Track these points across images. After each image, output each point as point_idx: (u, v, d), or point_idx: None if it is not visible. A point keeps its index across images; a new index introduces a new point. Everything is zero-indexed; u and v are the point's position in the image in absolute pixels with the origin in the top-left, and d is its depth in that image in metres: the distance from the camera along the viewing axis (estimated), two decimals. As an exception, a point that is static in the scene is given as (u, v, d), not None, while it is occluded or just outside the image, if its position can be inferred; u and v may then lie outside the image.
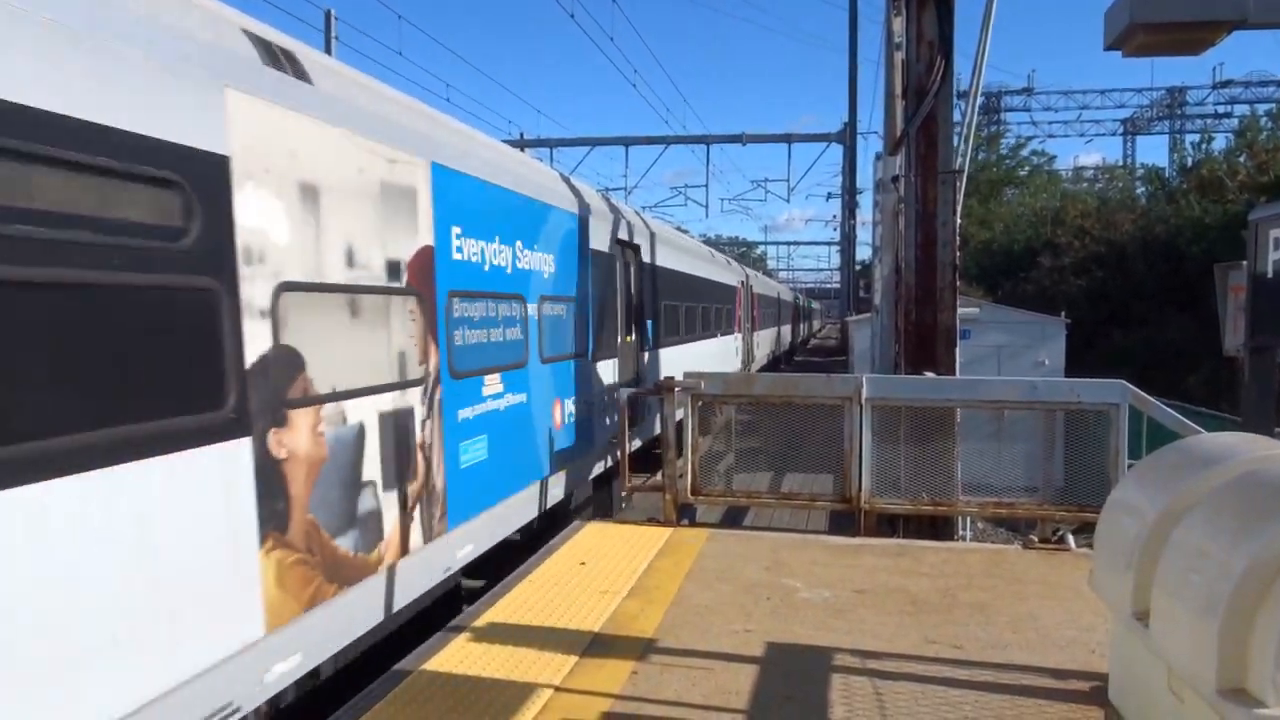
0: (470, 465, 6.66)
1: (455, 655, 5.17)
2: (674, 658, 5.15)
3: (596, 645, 5.33)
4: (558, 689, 4.72)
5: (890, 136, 10.79)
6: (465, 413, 6.61)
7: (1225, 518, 2.93)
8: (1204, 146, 39.45)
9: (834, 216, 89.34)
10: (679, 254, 15.28)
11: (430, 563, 6.04)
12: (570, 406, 9.02)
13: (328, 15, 25.47)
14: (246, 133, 4.27)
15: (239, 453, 4.11)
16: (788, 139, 41.72)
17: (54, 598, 3.20)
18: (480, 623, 5.70)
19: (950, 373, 8.66)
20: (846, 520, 8.68)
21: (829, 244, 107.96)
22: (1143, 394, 7.47)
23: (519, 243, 7.70)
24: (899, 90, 10.05)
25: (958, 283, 8.86)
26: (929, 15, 8.44)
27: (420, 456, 5.88)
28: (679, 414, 8.48)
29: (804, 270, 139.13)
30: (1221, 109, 50.73)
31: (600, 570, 6.84)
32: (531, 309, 7.95)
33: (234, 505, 4.06)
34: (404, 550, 5.65)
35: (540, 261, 8.20)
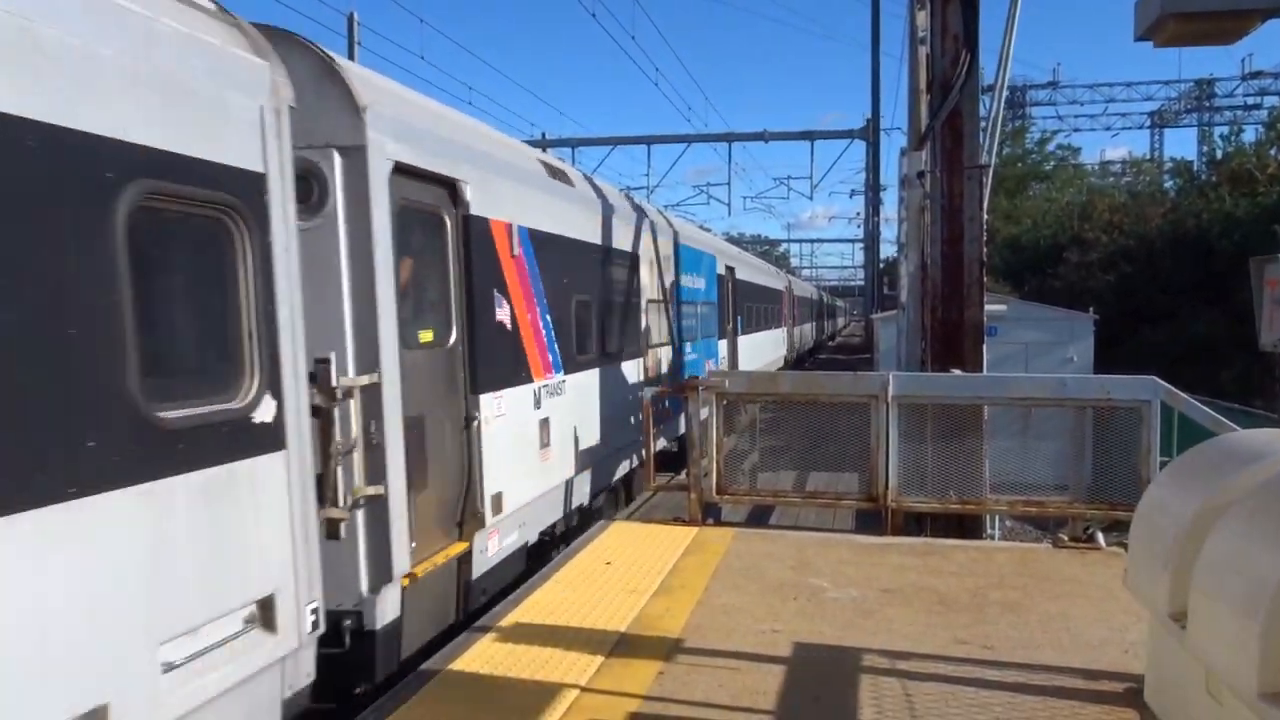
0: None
1: (481, 655, 5.16)
2: (701, 658, 5.12)
3: (623, 645, 5.31)
4: (584, 689, 4.70)
5: (915, 132, 10.68)
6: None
7: (1265, 516, 2.86)
8: (1234, 139, 38.91)
9: (858, 214, 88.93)
10: (753, 270, 23.71)
11: None
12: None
13: (350, 19, 25.59)
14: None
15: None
16: (810, 136, 41.41)
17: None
18: (506, 623, 5.69)
19: (977, 370, 8.57)
20: (873, 519, 8.61)
21: (853, 241, 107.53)
22: (1174, 390, 7.36)
23: (700, 277, 15.41)
24: (923, 85, 9.96)
25: (985, 279, 8.77)
26: (953, 8, 8.35)
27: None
28: (703, 412, 8.45)
29: (828, 268, 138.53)
30: (1251, 100, 49.92)
31: (626, 570, 6.82)
32: (702, 308, 15.50)
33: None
34: None
35: (703, 283, 15.67)
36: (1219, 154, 38.43)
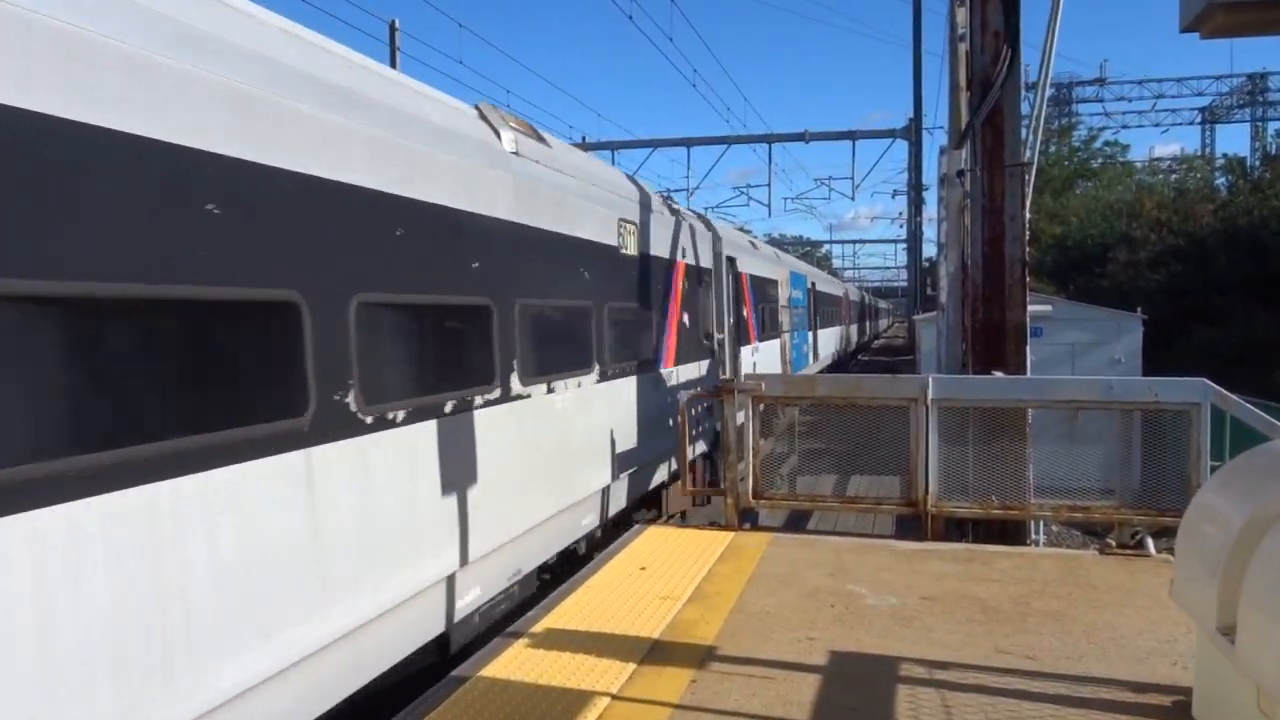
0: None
1: (512, 661, 5.13)
2: (735, 666, 5.05)
3: (655, 652, 5.25)
4: (615, 697, 4.65)
5: (955, 130, 10.53)
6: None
7: (1320, 526, 2.74)
8: (1289, 133, 37.96)
9: (900, 214, 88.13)
10: (825, 281, 33.27)
11: None
12: (809, 343, 25.56)
13: (391, 26, 25.84)
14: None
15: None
16: (852, 136, 41.06)
17: None
18: (538, 628, 5.66)
19: (1020, 372, 8.39)
20: (912, 524, 8.47)
21: (895, 242, 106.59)
22: (1225, 392, 7.14)
23: (800, 291, 23.63)
24: (963, 82, 9.80)
25: (1027, 279, 8.59)
26: (993, 5, 8.19)
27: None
28: (739, 416, 8.37)
29: (870, 269, 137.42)
30: (1308, 94, 48.75)
31: (660, 575, 6.76)
32: (798, 313, 22.73)
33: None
34: None
35: (801, 294, 23.57)
36: (1273, 150, 37.47)
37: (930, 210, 45.01)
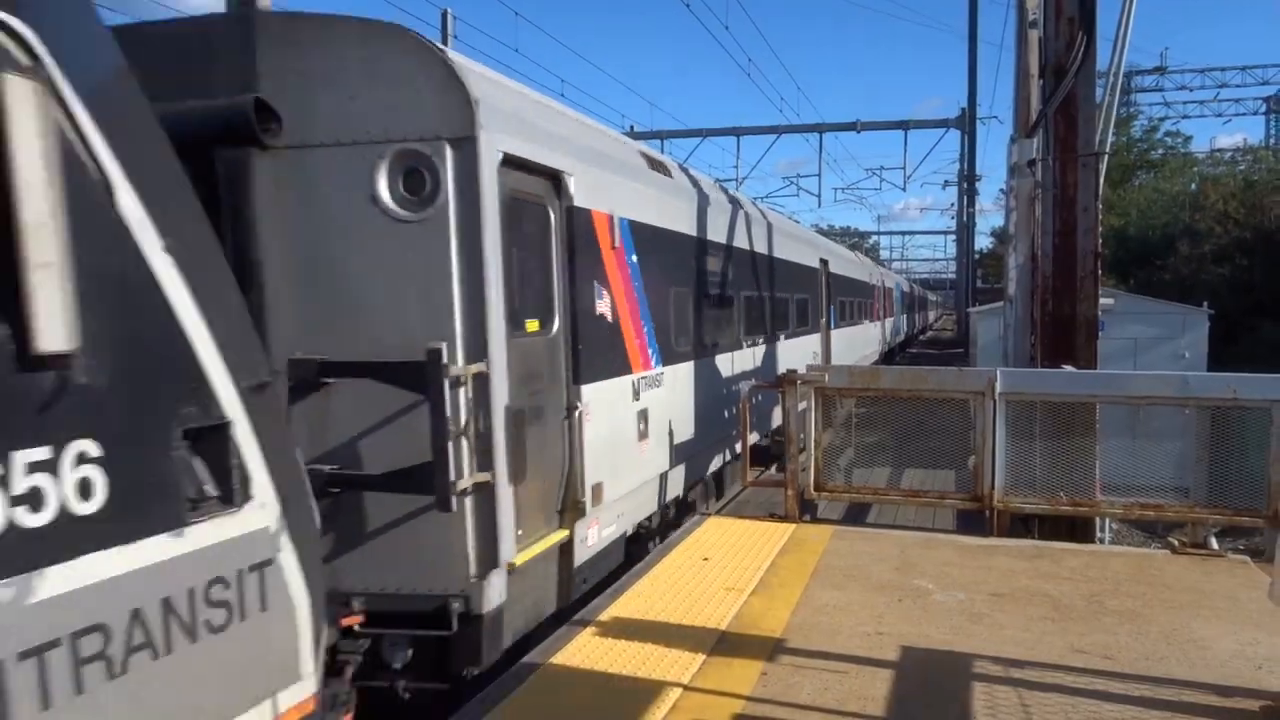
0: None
1: (582, 650, 5.15)
2: (804, 659, 5.01)
3: (723, 644, 5.23)
4: (686, 688, 4.64)
5: (1024, 118, 10.35)
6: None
7: None
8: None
9: (951, 205, 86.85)
10: (900, 280, 48.37)
11: None
12: (903, 321, 45.14)
13: (444, 15, 25.95)
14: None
15: None
16: (904, 125, 40.55)
17: None
18: (605, 617, 5.67)
19: (1090, 366, 8.23)
20: (974, 520, 8.34)
21: (944, 233, 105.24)
22: (1309, 390, 6.93)
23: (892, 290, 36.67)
24: (1034, 69, 9.61)
25: (1099, 272, 8.41)
26: (1069, -10, 8.00)
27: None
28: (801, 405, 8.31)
29: (918, 260, 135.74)
30: (1377, 81, 47.19)
31: (723, 567, 6.73)
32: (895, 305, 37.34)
33: None
34: None
35: (897, 294, 40.92)
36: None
37: (983, 201, 44.50)
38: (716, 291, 10.15)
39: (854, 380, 8.28)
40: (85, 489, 2.19)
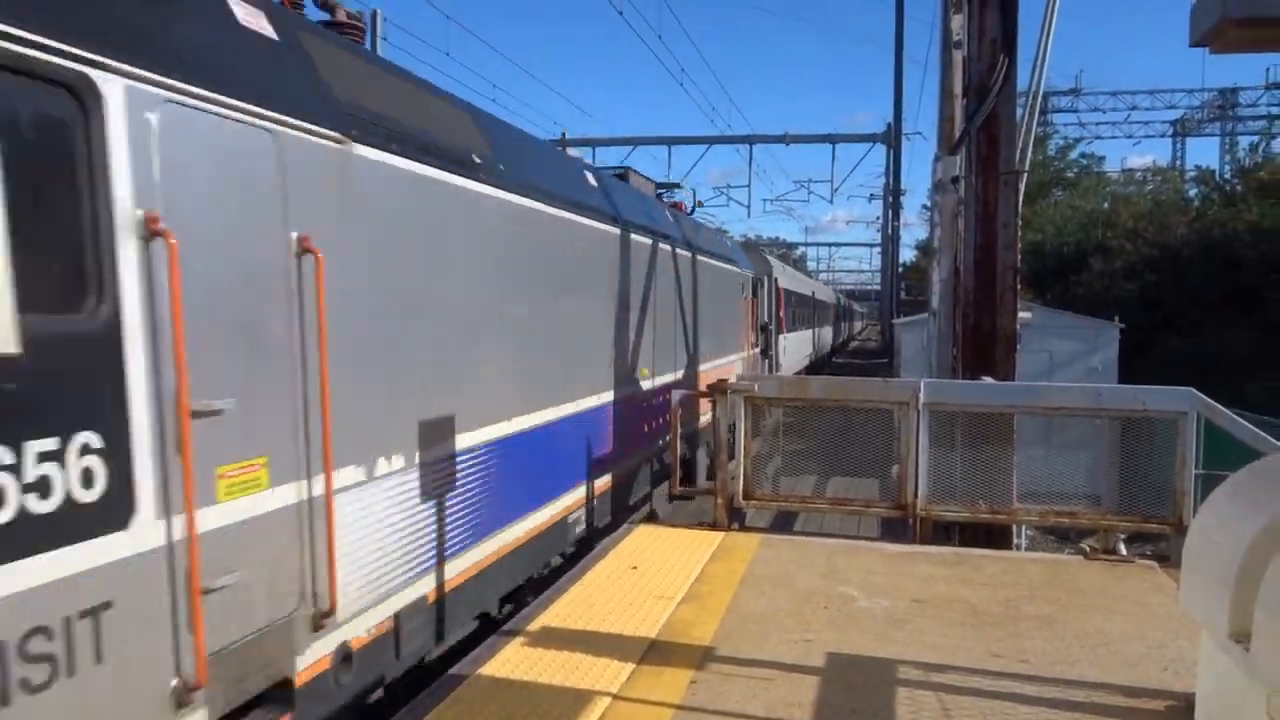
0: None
1: (510, 660, 5.12)
2: (733, 667, 5.06)
3: (653, 652, 5.25)
4: (616, 696, 4.65)
5: (947, 136, 10.62)
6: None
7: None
8: (1262, 148, 38.56)
9: (876, 218, 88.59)
10: (823, 289, 46.25)
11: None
12: (828, 333, 46.22)
13: (374, 15, 25.61)
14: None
15: None
16: (831, 139, 41.44)
17: None
18: (533, 626, 5.65)
19: (1009, 378, 8.47)
20: (897, 527, 8.53)
21: (870, 245, 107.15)
22: (1213, 402, 7.24)
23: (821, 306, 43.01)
24: (958, 89, 9.88)
25: (1018, 286, 8.67)
26: (991, 12, 8.25)
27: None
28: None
29: (844, 271, 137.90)
30: (1276, 110, 49.49)
31: (652, 574, 6.76)
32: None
33: None
34: None
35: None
36: (1245, 163, 38.08)
37: (907, 215, 45.64)
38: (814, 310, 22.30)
39: (783, 390, 8.41)
40: None
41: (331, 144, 4.87)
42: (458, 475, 6.32)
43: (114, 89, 3.56)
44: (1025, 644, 5.47)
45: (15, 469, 3.12)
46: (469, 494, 6.50)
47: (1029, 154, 10.04)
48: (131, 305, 3.60)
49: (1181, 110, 55.11)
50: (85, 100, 3.44)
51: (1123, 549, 7.72)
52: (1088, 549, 7.66)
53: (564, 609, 5.98)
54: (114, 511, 3.51)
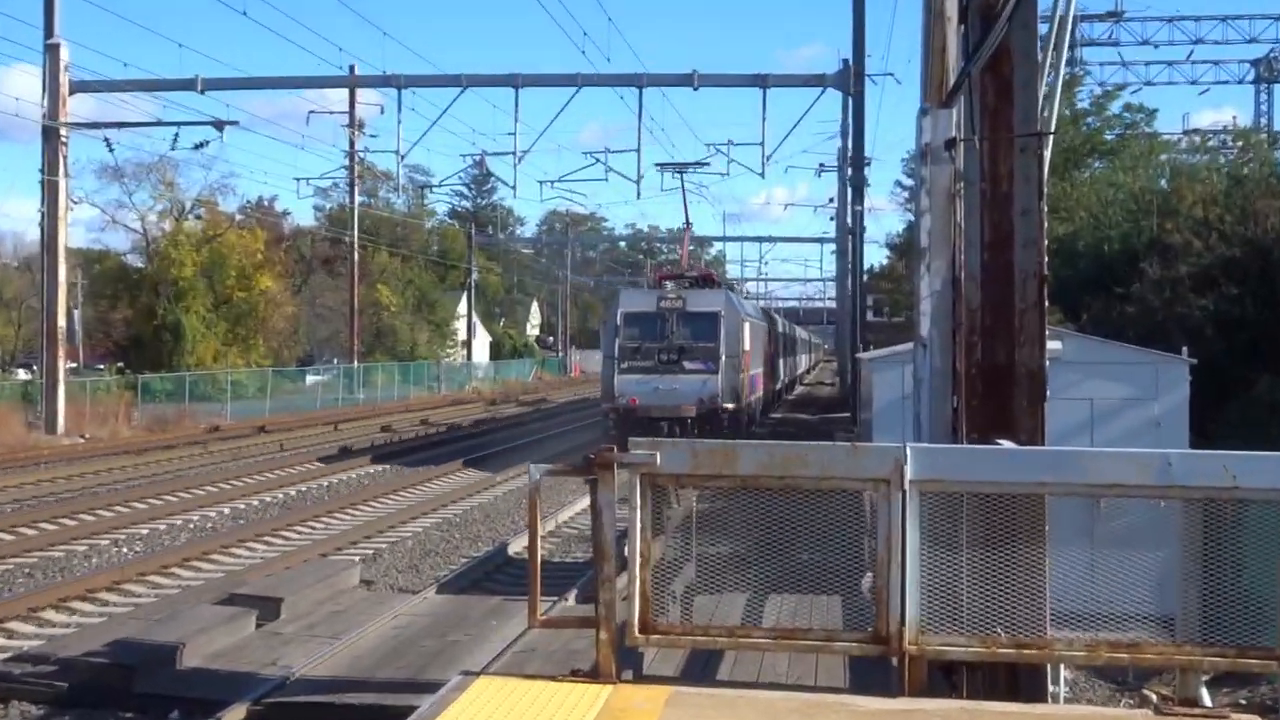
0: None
1: None
2: None
3: None
4: None
5: (936, 78, 10.76)
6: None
7: None
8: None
9: (829, 200, 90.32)
10: (757, 311, 67.02)
11: None
12: (802, 363, 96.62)
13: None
14: None
15: None
16: (762, 82, 42.09)
17: None
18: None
19: (1038, 440, 8.65)
20: (875, 670, 8.60)
21: (820, 241, 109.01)
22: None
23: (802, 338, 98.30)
24: (950, 8, 10.03)
25: (1045, 302, 8.83)
26: (999, -102, 8.52)
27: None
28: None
29: (783, 280, 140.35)
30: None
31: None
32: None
33: None
34: None
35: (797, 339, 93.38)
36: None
37: (874, 196, 46.48)
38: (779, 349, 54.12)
39: (698, 462, 8.33)
40: None
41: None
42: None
43: None
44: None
45: None
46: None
47: (1056, 106, 10.24)
48: None
49: (1268, 45, 57.56)
50: None
51: (1205, 697, 7.91)
52: (1156, 698, 7.86)
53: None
54: None
